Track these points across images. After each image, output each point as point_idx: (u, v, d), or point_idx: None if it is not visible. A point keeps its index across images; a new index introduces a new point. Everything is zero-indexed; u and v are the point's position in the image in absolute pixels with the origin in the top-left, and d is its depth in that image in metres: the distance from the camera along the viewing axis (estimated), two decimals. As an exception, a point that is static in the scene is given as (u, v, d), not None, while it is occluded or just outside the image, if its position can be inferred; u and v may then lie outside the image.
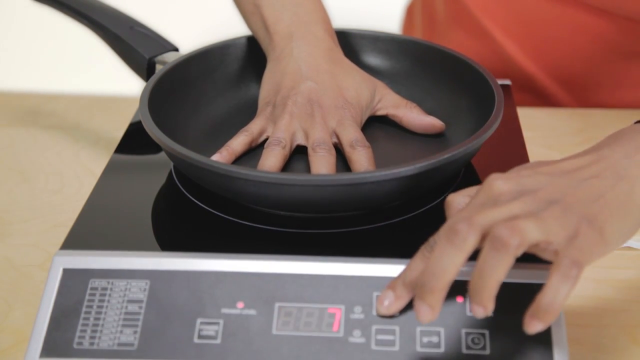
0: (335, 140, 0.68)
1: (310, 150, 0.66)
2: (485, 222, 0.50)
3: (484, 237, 0.50)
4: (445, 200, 0.54)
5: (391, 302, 0.54)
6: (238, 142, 0.68)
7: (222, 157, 0.67)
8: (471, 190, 0.54)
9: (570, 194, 0.51)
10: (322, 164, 0.65)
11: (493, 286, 0.49)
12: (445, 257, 0.50)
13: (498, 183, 0.52)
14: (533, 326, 0.48)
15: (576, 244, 0.49)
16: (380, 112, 0.74)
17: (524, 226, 0.49)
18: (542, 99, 1.01)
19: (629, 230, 0.52)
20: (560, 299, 0.48)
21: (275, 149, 0.66)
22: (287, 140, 0.67)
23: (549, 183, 0.52)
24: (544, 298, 0.48)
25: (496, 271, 0.48)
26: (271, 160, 0.65)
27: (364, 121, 0.72)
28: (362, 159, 0.65)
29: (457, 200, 0.54)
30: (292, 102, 0.69)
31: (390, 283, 0.55)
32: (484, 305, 0.49)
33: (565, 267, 0.48)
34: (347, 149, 0.67)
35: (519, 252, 0.49)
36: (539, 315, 0.48)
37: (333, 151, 0.67)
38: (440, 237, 0.51)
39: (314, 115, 0.69)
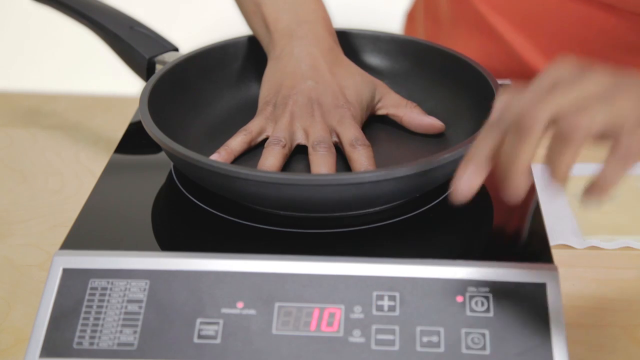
0: (335, 139, 0.68)
1: (310, 149, 0.66)
2: (552, 110, 0.48)
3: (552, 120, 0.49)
4: (498, 98, 0.52)
5: (472, 174, 0.51)
6: (237, 142, 0.68)
7: (220, 156, 0.67)
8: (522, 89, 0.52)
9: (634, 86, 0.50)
10: (322, 163, 0.65)
11: (566, 168, 0.48)
12: (517, 151, 0.48)
13: (558, 66, 0.50)
14: (589, 197, 0.48)
15: None
16: (380, 112, 0.74)
17: (594, 116, 0.47)
18: None
19: None
20: (617, 176, 0.47)
21: (275, 148, 0.66)
22: (288, 139, 0.67)
23: (609, 74, 0.50)
24: (604, 172, 0.48)
25: (566, 158, 0.48)
26: (271, 160, 0.65)
27: (364, 120, 0.72)
28: (362, 158, 0.65)
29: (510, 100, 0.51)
30: (292, 101, 0.69)
31: (462, 162, 0.52)
32: (560, 180, 0.48)
33: (627, 148, 0.47)
34: (348, 148, 0.67)
35: (587, 141, 0.48)
36: (595, 189, 0.48)
37: (333, 150, 0.67)
38: (509, 130, 0.49)
39: (314, 115, 0.69)
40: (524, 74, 0.99)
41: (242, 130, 0.70)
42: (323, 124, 0.68)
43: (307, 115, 0.69)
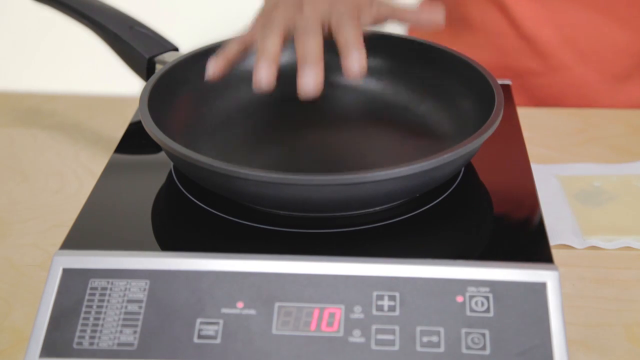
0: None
1: (295, 35, 0.64)
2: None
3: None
4: None
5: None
6: (231, 50, 0.67)
7: (216, 64, 0.66)
8: None
9: None
10: (306, 40, 0.63)
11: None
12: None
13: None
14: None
15: None
16: (380, 18, 0.71)
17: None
18: (573, 88, 1.00)
19: None
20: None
21: (271, 29, 0.64)
22: (282, 25, 0.65)
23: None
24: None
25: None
26: (271, 39, 0.64)
27: (362, 22, 0.69)
28: (348, 35, 0.64)
29: None
30: (282, 4, 0.67)
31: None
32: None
33: None
34: (335, 26, 0.65)
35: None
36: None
37: (319, 31, 0.64)
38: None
39: (304, 9, 0.66)
40: (545, 70, 0.98)
41: (234, 38, 0.68)
42: (314, 12, 0.66)
43: (296, 10, 0.66)
